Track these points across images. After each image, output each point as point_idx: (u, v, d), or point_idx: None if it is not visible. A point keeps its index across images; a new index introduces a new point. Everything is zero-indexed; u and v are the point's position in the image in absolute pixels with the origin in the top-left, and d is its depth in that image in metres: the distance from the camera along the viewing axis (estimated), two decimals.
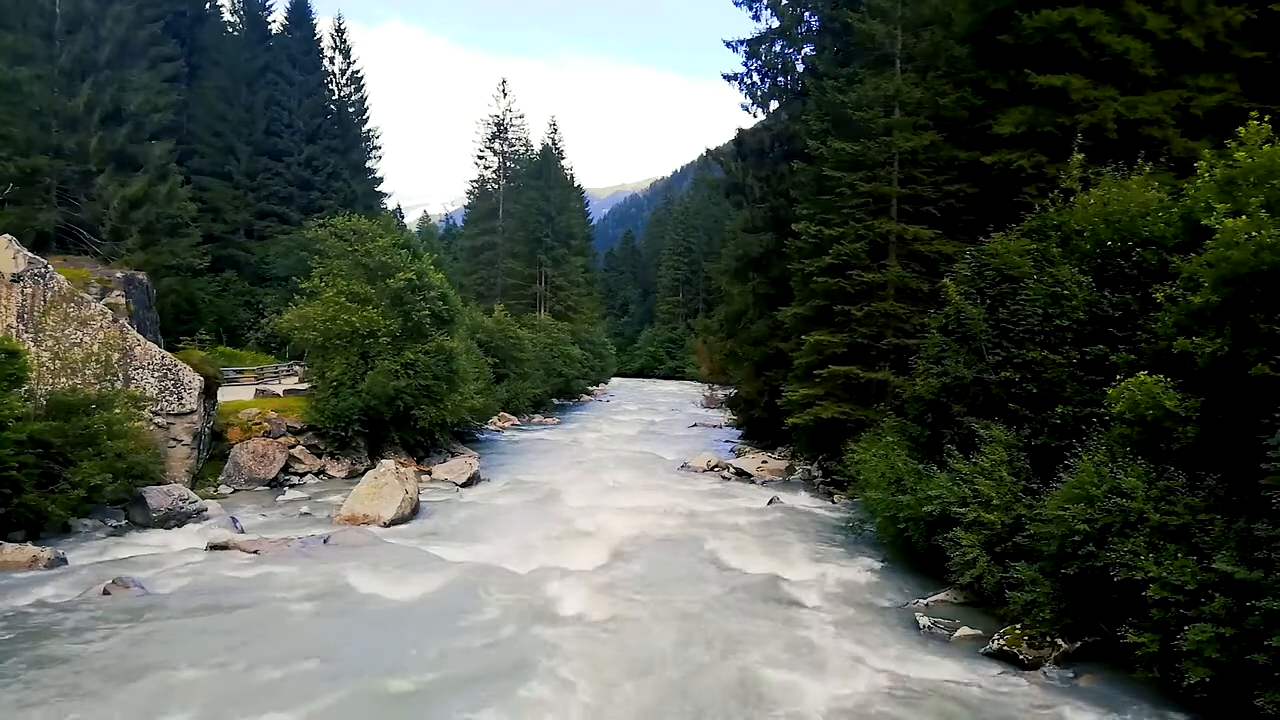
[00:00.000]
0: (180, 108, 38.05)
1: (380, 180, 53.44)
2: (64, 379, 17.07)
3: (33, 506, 14.05)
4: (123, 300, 21.92)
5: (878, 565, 14.75)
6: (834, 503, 20.72)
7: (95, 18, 29.33)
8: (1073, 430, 11.45)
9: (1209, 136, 14.70)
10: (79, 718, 8.09)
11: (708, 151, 38.45)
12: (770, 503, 20.56)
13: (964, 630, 11.17)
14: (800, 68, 29.44)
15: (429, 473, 23.26)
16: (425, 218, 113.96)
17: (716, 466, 26.55)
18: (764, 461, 26.54)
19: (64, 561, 13.25)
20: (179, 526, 16.13)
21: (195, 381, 19.48)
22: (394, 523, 17.09)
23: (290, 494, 20.44)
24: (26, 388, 15.54)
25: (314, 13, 48.54)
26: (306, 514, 18.12)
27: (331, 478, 22.58)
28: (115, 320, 19.16)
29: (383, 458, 22.30)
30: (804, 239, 21.91)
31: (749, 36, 29.75)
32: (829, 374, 20.87)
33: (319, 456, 23.08)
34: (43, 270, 18.26)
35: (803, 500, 21.29)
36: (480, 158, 69.75)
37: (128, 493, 16.23)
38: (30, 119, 27.54)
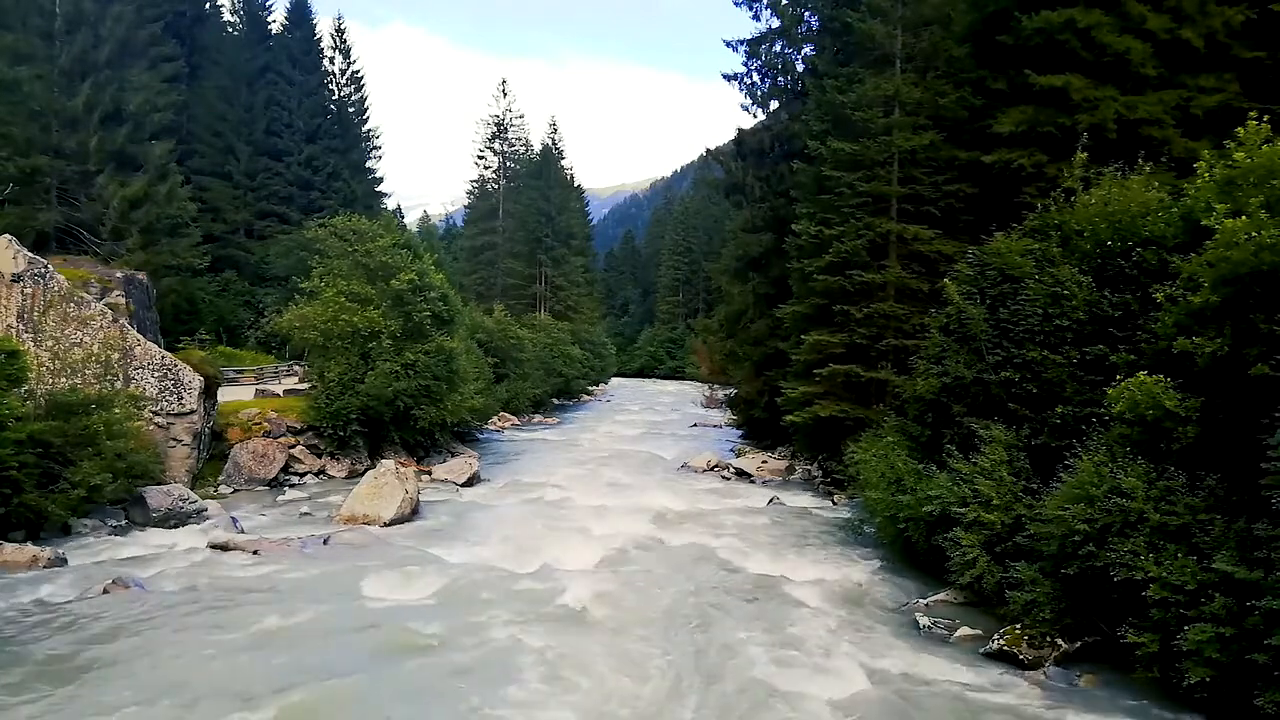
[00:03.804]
0: (180, 108, 38.00)
1: (380, 180, 53.42)
2: (64, 379, 17.07)
3: (33, 506, 14.05)
4: (123, 300, 21.93)
5: (878, 565, 14.74)
6: (834, 503, 20.72)
7: (95, 18, 29.33)
8: (1073, 430, 11.44)
9: (1209, 136, 14.68)
10: (78, 717, 8.09)
11: (708, 151, 38.48)
12: (770, 502, 20.57)
13: (964, 630, 11.16)
14: (800, 68, 29.46)
15: (429, 473, 23.26)
16: (425, 218, 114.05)
17: (716, 466, 26.55)
18: (764, 461, 26.54)
19: (64, 561, 13.25)
20: (179, 526, 16.13)
21: (195, 381, 19.48)
22: (394, 523, 17.09)
23: (290, 494, 20.45)
24: (26, 388, 15.54)
25: (314, 13, 48.59)
26: (306, 514, 18.12)
27: (331, 478, 22.58)
28: (115, 320, 19.16)
29: (383, 458, 22.29)
30: (804, 238, 21.91)
31: (749, 36, 29.81)
32: (829, 373, 20.87)
33: (319, 456, 23.08)
34: (43, 270, 18.26)
35: (803, 500, 21.29)
36: (480, 158, 69.80)
37: (128, 493, 16.23)
38: (30, 119, 27.53)
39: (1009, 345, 12.82)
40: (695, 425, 42.16)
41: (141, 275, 25.16)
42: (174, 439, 19.12)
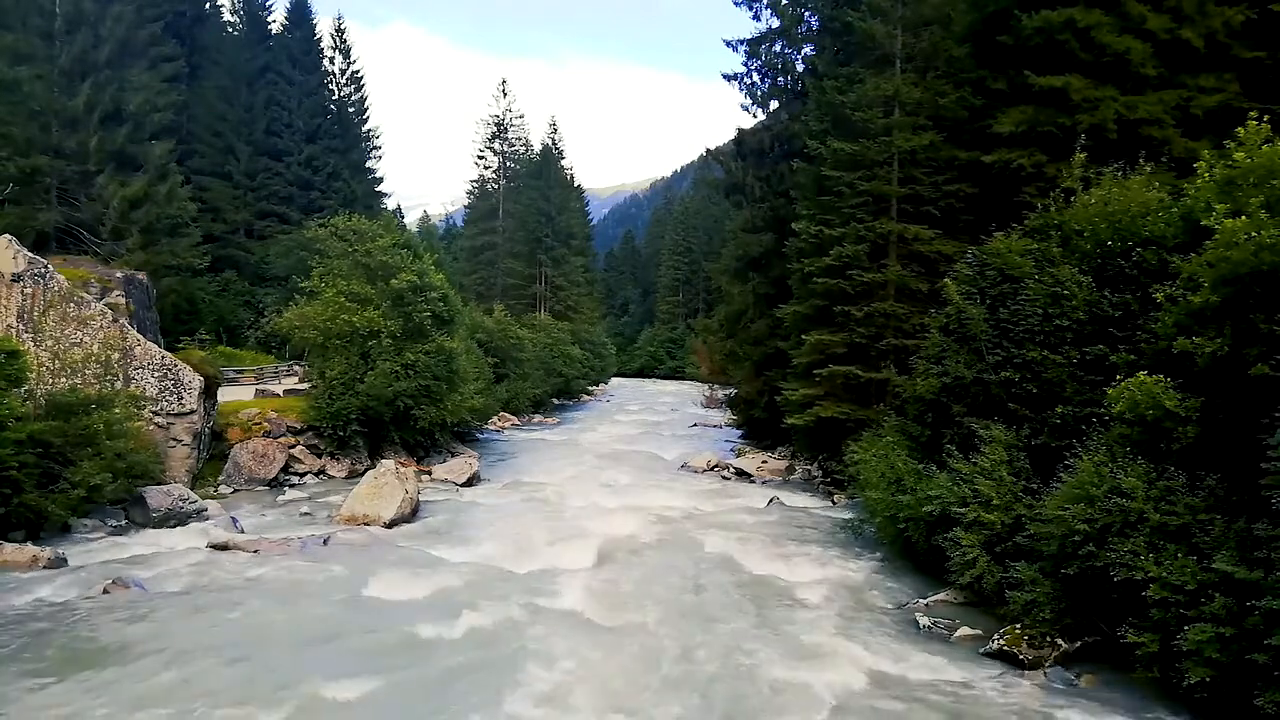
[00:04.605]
0: (180, 108, 38.01)
1: (380, 180, 53.45)
2: (64, 379, 17.07)
3: (33, 506, 14.05)
4: (123, 300, 21.93)
5: (878, 565, 14.75)
6: (834, 503, 20.72)
7: (95, 18, 29.33)
8: (1073, 430, 11.44)
9: (1209, 136, 14.68)
10: (78, 717, 8.09)
11: (708, 151, 38.50)
12: (770, 503, 20.56)
13: (964, 630, 11.17)
14: (800, 68, 29.47)
15: (429, 473, 23.26)
16: (425, 218, 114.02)
17: (716, 466, 26.55)
18: (764, 461, 26.55)
19: (64, 561, 13.24)
20: (179, 526, 16.13)
21: (195, 381, 19.48)
22: (394, 523, 17.09)
23: (290, 494, 20.44)
24: (26, 388, 15.53)
25: (314, 13, 48.62)
26: (306, 514, 18.12)
27: (331, 478, 22.57)
28: (115, 320, 19.16)
29: (383, 458, 22.29)
30: (804, 239, 21.91)
31: (749, 36, 29.83)
32: (829, 374, 20.86)
33: (319, 456, 23.08)
34: (43, 270, 18.26)
35: (803, 500, 21.28)
36: (480, 158, 69.78)
37: (128, 493, 16.23)
38: (30, 119, 27.52)
39: (1009, 345, 12.82)
40: (695, 425, 42.16)
41: (141, 275, 25.16)
42: (174, 439, 19.12)
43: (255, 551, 14.24)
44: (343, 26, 50.66)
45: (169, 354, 20.03)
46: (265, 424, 22.55)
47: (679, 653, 10.34)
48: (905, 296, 20.61)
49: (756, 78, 30.17)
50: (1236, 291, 9.25)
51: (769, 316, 26.99)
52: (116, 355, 18.46)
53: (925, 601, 12.49)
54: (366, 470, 20.32)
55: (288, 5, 48.38)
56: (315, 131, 46.62)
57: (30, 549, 13.15)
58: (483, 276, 66.00)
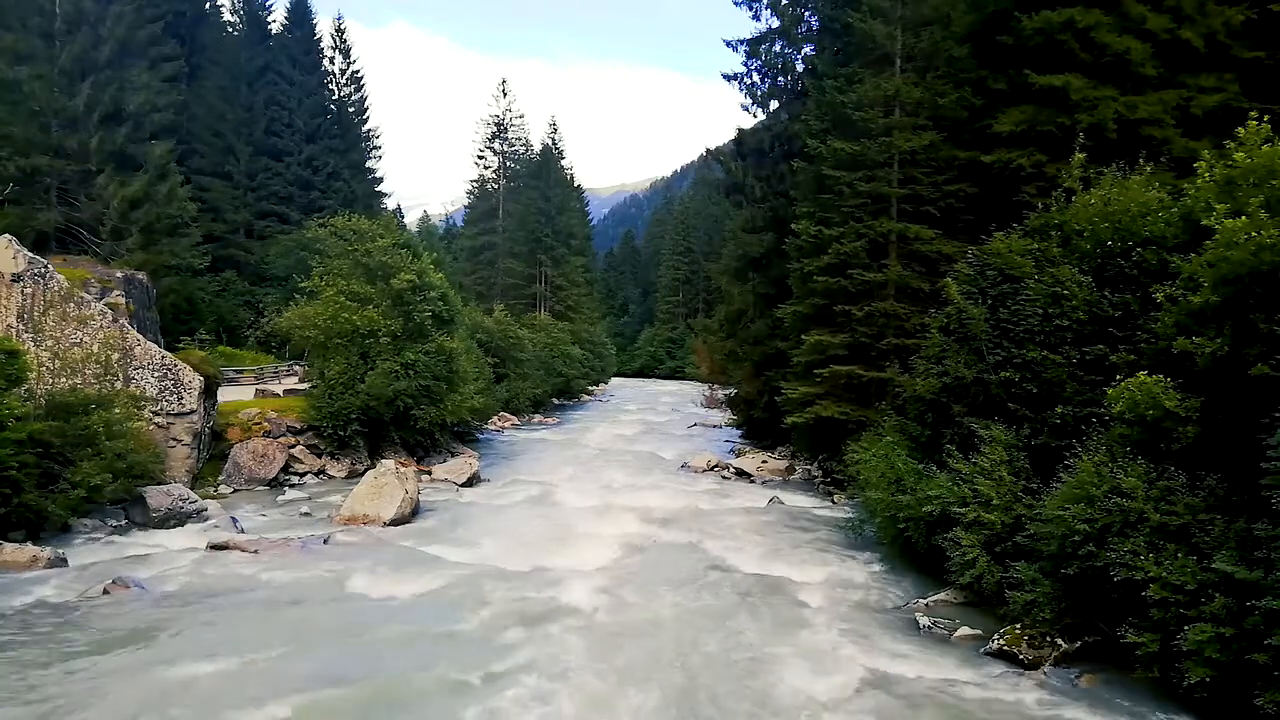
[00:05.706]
0: (180, 108, 38.07)
1: (380, 180, 53.56)
2: (64, 379, 17.08)
3: (33, 506, 14.05)
4: (123, 300, 21.94)
5: (878, 565, 14.75)
6: (834, 503, 20.71)
7: (95, 18, 29.30)
8: (1073, 430, 11.44)
9: (1209, 136, 14.69)
10: (78, 717, 8.08)
11: (708, 151, 38.57)
12: (770, 503, 20.57)
13: (964, 630, 11.17)
14: (800, 68, 29.48)
15: (429, 473, 23.25)
16: (425, 218, 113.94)
17: (716, 466, 26.55)
18: (764, 461, 26.55)
19: (64, 561, 13.24)
20: (179, 526, 16.14)
21: (195, 381, 19.48)
22: (394, 523, 17.09)
23: (290, 494, 20.45)
24: (26, 388, 15.54)
25: (314, 13, 48.68)
26: (306, 514, 18.12)
27: (331, 478, 22.57)
28: (115, 320, 19.17)
29: (383, 457, 22.29)
30: (804, 238, 21.91)
31: (749, 36, 29.86)
32: (830, 373, 20.88)
33: (319, 456, 23.08)
34: (43, 270, 18.26)
35: (803, 500, 21.29)
36: (480, 158, 69.72)
37: (128, 493, 16.23)
38: (30, 119, 27.51)
39: (1009, 345, 12.82)
40: (695, 425, 42.16)
41: (141, 275, 25.17)
42: (174, 439, 19.12)
43: (255, 551, 14.24)
44: (343, 26, 50.83)
45: (169, 354, 20.03)
46: (265, 424, 22.56)
47: (679, 651, 10.34)
48: (905, 296, 20.60)
49: (756, 78, 30.20)
50: (1236, 291, 9.25)
51: (769, 316, 26.99)
52: (116, 355, 18.47)
53: (925, 601, 12.49)
54: (366, 470, 20.30)
55: (288, 5, 48.46)
56: (315, 131, 46.66)
57: (30, 549, 13.15)
58: (483, 276, 65.97)
